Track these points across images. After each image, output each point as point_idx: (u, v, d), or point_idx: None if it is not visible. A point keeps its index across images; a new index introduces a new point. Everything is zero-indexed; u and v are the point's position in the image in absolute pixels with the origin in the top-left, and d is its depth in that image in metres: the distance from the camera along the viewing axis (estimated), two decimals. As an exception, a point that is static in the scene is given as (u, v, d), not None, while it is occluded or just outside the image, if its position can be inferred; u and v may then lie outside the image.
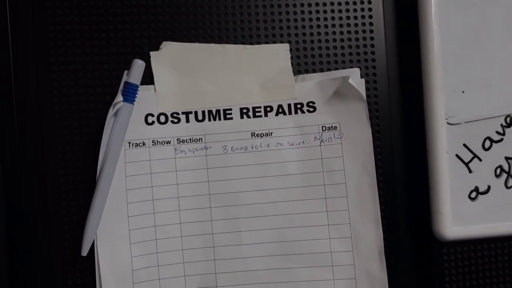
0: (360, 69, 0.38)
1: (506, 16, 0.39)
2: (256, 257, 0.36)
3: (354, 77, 0.37)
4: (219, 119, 0.37)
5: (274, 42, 0.38)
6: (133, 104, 0.34)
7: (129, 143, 0.35)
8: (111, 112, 0.34)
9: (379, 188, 0.37)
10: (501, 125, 0.39)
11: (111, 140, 0.33)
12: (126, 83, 0.34)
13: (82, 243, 0.33)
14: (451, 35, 0.38)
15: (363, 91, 0.37)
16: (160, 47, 0.37)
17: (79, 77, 0.36)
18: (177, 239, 0.36)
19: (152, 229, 0.36)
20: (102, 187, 0.33)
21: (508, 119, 0.39)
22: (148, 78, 0.37)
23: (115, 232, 0.35)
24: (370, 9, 0.39)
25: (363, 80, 0.37)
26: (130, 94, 0.34)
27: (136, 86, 0.34)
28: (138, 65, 0.34)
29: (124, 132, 0.34)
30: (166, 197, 0.36)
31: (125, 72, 0.35)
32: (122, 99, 0.33)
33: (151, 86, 0.36)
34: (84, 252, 0.33)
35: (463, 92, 0.38)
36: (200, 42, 0.37)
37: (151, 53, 0.37)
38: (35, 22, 0.36)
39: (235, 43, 0.38)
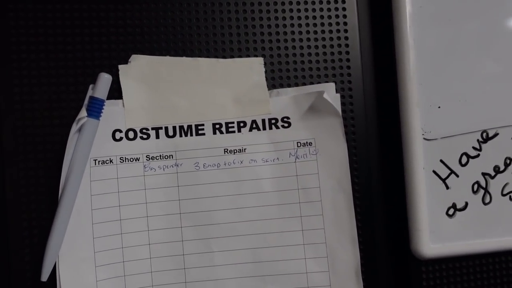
0: (336, 84, 0.37)
1: (481, 31, 0.38)
2: (229, 279, 0.35)
3: (329, 92, 0.36)
4: (191, 135, 0.36)
5: (248, 56, 0.37)
6: (99, 119, 0.33)
7: (95, 160, 0.34)
8: (74, 128, 0.32)
9: (356, 206, 0.36)
10: (478, 140, 0.38)
11: (74, 157, 0.32)
12: (91, 97, 0.32)
13: (42, 267, 0.31)
14: (426, 50, 0.37)
15: (338, 106, 0.36)
16: (129, 60, 0.35)
17: (43, 91, 0.34)
18: (146, 261, 0.34)
19: (119, 251, 0.34)
20: (64, 207, 0.32)
21: (484, 135, 0.38)
22: (116, 92, 0.35)
23: (79, 254, 0.33)
24: (345, 23, 0.38)
25: (338, 95, 0.37)
26: (95, 109, 0.32)
27: (102, 101, 0.33)
28: (105, 79, 0.33)
29: (88, 149, 0.32)
30: (134, 217, 0.34)
31: (90, 86, 0.34)
32: (86, 114, 0.32)
33: (119, 101, 0.35)
34: (44, 277, 0.31)
35: (439, 107, 0.38)
36: (171, 55, 0.36)
37: (120, 66, 0.35)
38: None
39: (208, 56, 0.37)
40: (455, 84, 0.38)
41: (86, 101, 0.33)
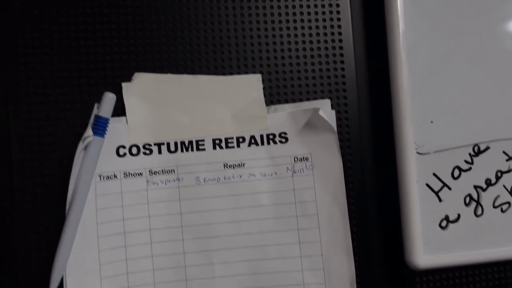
0: (332, 99, 0.39)
1: (473, 46, 0.40)
2: (229, 290, 0.36)
3: (325, 108, 0.37)
4: (192, 150, 0.37)
5: (247, 73, 0.38)
6: (104, 137, 0.34)
7: (100, 176, 0.35)
8: (80, 146, 0.33)
9: (351, 218, 0.37)
10: (470, 154, 0.39)
11: (80, 174, 0.33)
12: (97, 116, 0.34)
13: (50, 280, 0.33)
14: (419, 65, 0.39)
15: (333, 123, 0.37)
16: (132, 78, 0.37)
17: (50, 108, 0.36)
18: (149, 273, 0.36)
19: (124, 263, 0.35)
20: (71, 221, 0.33)
21: (476, 148, 0.39)
22: (120, 109, 0.36)
23: (85, 267, 0.34)
24: (340, 40, 0.39)
25: (334, 111, 0.38)
26: (100, 127, 0.34)
27: (107, 120, 0.34)
28: (109, 98, 0.34)
29: (94, 166, 0.34)
30: (138, 230, 0.36)
31: (96, 105, 0.35)
32: (91, 133, 0.33)
33: (123, 118, 0.36)
34: (52, 289, 0.33)
35: (431, 122, 0.39)
36: (172, 72, 0.37)
37: (123, 84, 0.36)
38: (5, 51, 0.35)
39: (208, 74, 0.38)
40: (447, 99, 0.39)
41: (91, 120, 0.34)
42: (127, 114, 0.36)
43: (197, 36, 0.38)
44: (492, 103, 0.40)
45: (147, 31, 0.37)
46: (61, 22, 0.36)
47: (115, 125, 0.36)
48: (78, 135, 0.35)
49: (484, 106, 0.40)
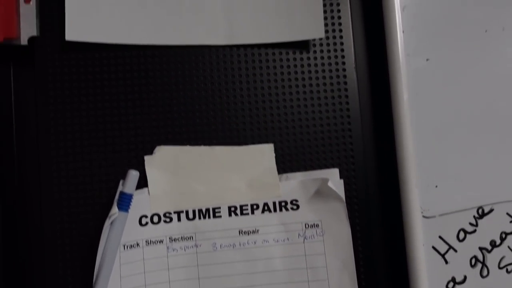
0: (341, 165, 0.41)
1: (475, 112, 0.42)
2: None
3: (334, 178, 0.40)
4: (209, 217, 0.39)
5: (260, 142, 0.41)
6: (128, 212, 0.37)
7: (124, 245, 0.38)
8: (107, 222, 0.36)
9: (360, 283, 0.39)
10: (474, 216, 0.41)
11: (107, 247, 0.36)
12: (121, 193, 0.37)
13: None
14: (424, 132, 0.41)
15: (341, 192, 0.40)
16: (154, 151, 0.40)
17: (79, 181, 0.39)
18: (169, 335, 0.38)
19: (146, 327, 0.38)
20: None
21: (480, 211, 0.41)
22: (142, 180, 0.39)
23: (110, 332, 0.37)
24: (347, 109, 0.42)
25: (342, 180, 0.40)
26: (125, 203, 0.36)
27: (131, 196, 0.37)
28: (133, 175, 0.37)
29: (119, 239, 0.37)
30: (159, 295, 0.38)
31: (120, 182, 0.38)
32: (117, 210, 0.36)
33: (145, 189, 0.39)
34: None
35: (436, 186, 0.41)
36: (191, 143, 0.40)
37: (145, 157, 0.39)
38: (39, 131, 0.39)
39: (223, 143, 0.41)
40: (451, 164, 0.41)
41: (117, 196, 0.37)
42: (149, 186, 0.39)
43: (213, 110, 0.41)
44: (495, 166, 0.42)
45: (167, 106, 0.40)
46: (89, 101, 0.40)
47: (138, 196, 0.38)
48: (104, 205, 0.38)
49: (487, 169, 0.42)
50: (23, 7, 0.39)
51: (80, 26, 0.39)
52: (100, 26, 0.39)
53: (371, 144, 0.42)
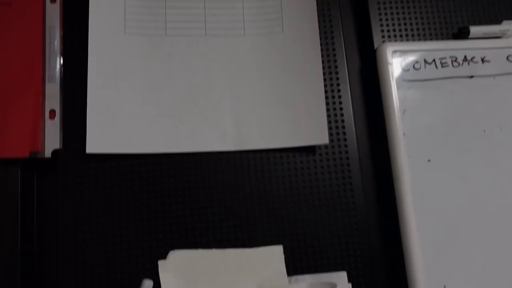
0: (349, 264, 0.42)
1: (478, 213, 0.43)
2: None
3: (342, 281, 0.41)
4: (220, 322, 0.40)
5: (270, 242, 0.42)
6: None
7: None
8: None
9: None
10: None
11: None
12: (137, 303, 0.38)
13: None
14: (430, 235, 0.42)
15: (350, 296, 0.40)
16: (168, 255, 0.41)
17: (95, 285, 0.40)
18: None
19: None
20: None
21: (490, 312, 0.41)
22: (156, 285, 0.41)
23: None
24: (353, 203, 0.43)
25: (350, 284, 0.41)
26: (140, 313, 0.38)
27: (146, 305, 0.38)
28: (147, 285, 0.39)
29: None
30: None
31: (137, 291, 0.39)
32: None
33: (159, 294, 0.40)
34: None
35: (444, 286, 0.41)
36: (203, 246, 0.42)
37: (159, 262, 0.41)
38: (60, 238, 0.41)
39: (234, 244, 0.42)
40: (459, 265, 0.42)
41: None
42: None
43: (225, 212, 0.43)
44: (501, 263, 0.42)
45: (181, 210, 0.42)
46: (106, 208, 0.42)
47: (152, 302, 0.40)
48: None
49: (495, 271, 0.42)
50: (48, 122, 0.42)
51: (100, 139, 0.42)
52: (118, 138, 0.42)
53: (378, 244, 0.43)
